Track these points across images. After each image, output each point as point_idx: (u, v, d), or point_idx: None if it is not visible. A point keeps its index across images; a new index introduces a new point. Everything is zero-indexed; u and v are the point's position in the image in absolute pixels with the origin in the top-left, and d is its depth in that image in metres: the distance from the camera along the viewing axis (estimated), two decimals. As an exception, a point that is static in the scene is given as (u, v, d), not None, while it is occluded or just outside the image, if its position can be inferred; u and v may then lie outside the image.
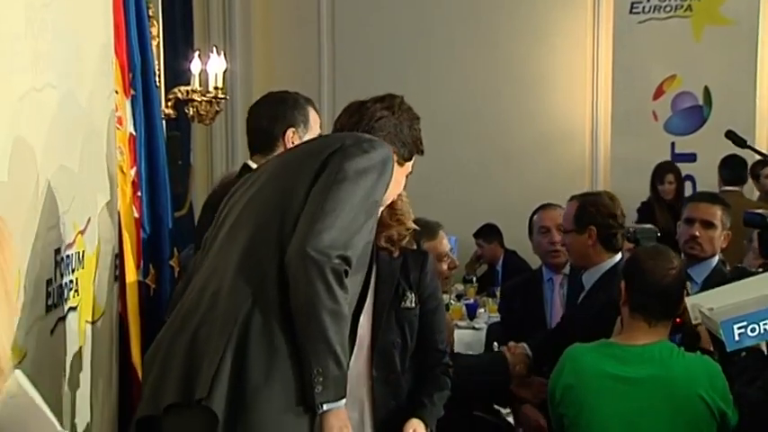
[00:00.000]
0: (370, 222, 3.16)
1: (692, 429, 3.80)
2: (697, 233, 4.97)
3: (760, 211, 4.74)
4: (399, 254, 3.79)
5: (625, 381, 3.83)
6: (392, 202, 3.65)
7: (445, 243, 5.15)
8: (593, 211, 4.93)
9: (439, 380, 3.80)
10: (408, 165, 3.60)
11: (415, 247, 4.09)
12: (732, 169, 8.65)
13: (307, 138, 4.21)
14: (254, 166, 4.15)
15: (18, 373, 2.07)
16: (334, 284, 2.91)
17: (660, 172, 9.09)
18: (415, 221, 3.98)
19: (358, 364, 3.57)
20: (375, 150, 3.21)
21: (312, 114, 4.35)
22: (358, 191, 3.09)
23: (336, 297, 2.91)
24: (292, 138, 4.19)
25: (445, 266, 5.04)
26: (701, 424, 3.80)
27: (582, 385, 3.93)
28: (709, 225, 5.00)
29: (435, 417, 3.71)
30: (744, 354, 4.00)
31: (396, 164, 3.33)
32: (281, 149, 4.19)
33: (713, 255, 5.04)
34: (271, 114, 4.32)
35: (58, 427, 2.14)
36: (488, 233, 9.11)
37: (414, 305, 3.74)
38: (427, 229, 4.86)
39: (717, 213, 5.03)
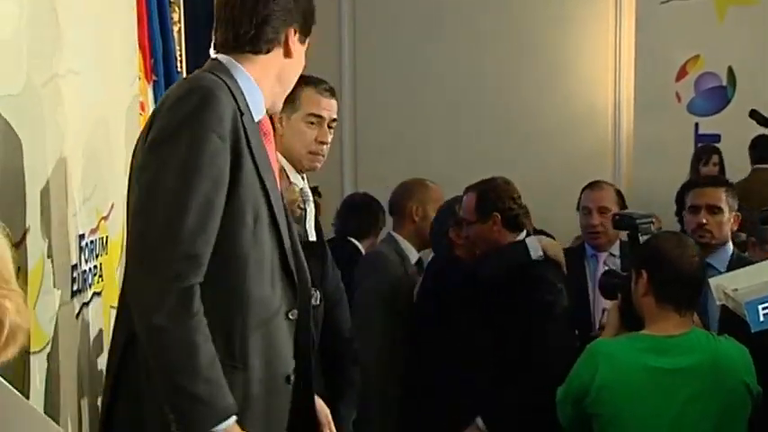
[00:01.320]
0: (212, 182, 2.68)
1: (736, 412, 3.82)
2: (704, 220, 4.87)
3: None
4: None
5: (669, 372, 3.82)
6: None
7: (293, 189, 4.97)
8: (493, 198, 4.99)
9: (348, 373, 3.82)
10: (306, 42, 3.19)
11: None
12: (763, 148, 8.65)
13: (295, 118, 4.09)
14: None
15: None
16: (178, 328, 2.59)
17: (705, 153, 9.02)
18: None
19: None
20: (181, 106, 2.74)
21: (303, 93, 4.07)
22: (167, 167, 2.68)
23: (186, 341, 2.59)
24: (280, 118, 4.10)
25: None
26: (743, 405, 3.82)
27: (622, 382, 3.89)
28: (715, 210, 4.90)
29: (350, 416, 3.78)
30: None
31: (298, 43, 3.08)
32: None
33: (725, 241, 4.92)
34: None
35: (45, 418, 2.15)
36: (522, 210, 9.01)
37: (319, 302, 3.65)
38: None
39: (721, 197, 4.93)
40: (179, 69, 5.83)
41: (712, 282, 4.00)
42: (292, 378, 2.93)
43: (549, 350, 4.64)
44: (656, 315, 3.92)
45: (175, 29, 6.27)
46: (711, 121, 9.75)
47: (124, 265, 2.97)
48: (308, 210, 4.16)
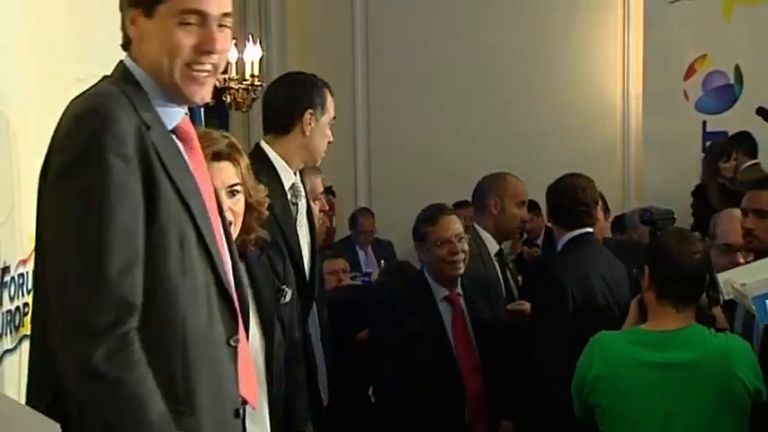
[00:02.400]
0: (127, 211, 2.33)
1: (731, 409, 3.79)
2: (752, 225, 4.48)
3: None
4: (260, 250, 3.44)
5: (661, 367, 3.81)
6: (249, 204, 3.20)
7: (318, 184, 4.93)
8: None
9: (297, 376, 3.63)
10: (167, 6, 2.44)
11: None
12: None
13: (324, 120, 4.21)
14: (265, 146, 4.17)
15: None
16: (121, 383, 2.24)
17: (726, 149, 8.91)
18: None
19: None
20: (77, 133, 2.34)
21: (329, 97, 4.25)
22: (75, 202, 2.30)
23: (124, 398, 2.25)
24: (309, 120, 4.15)
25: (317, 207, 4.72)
26: (739, 403, 3.80)
27: (615, 374, 3.90)
28: (765, 214, 4.47)
29: (309, 418, 3.61)
30: None
31: (142, 18, 2.46)
32: (297, 130, 4.16)
33: None
34: (289, 95, 4.25)
35: (38, 415, 2.16)
36: (532, 207, 8.94)
37: (290, 299, 3.52)
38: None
39: None
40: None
41: (721, 277, 4.01)
42: (241, 411, 2.62)
43: None
44: (656, 310, 3.93)
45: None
46: (719, 119, 9.73)
47: (36, 311, 2.51)
48: (299, 204, 4.20)
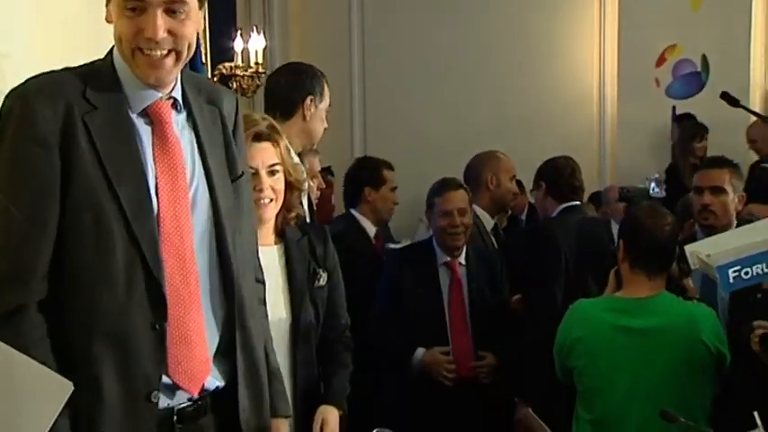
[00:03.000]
0: (34, 191, 2.28)
1: (694, 371, 3.81)
2: (708, 201, 4.59)
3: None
4: (302, 232, 3.40)
5: (632, 331, 3.83)
6: (288, 182, 3.19)
7: (316, 163, 5.03)
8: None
9: (342, 356, 3.48)
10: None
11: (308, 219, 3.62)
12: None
13: (322, 107, 4.25)
14: None
15: None
16: None
17: (700, 130, 8.94)
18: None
19: (280, 348, 3.16)
20: (3, 109, 2.35)
21: (326, 86, 4.33)
22: None
23: None
24: (310, 105, 4.20)
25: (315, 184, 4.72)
26: (702, 365, 3.81)
27: (591, 338, 3.93)
28: (719, 191, 4.60)
29: (345, 395, 3.38)
30: (759, 296, 4.01)
31: (108, 4, 2.40)
32: (299, 116, 4.19)
33: (729, 222, 4.60)
34: (291, 83, 4.30)
35: (51, 374, 2.10)
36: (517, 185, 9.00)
37: (325, 282, 3.41)
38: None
39: (725, 177, 4.63)
40: (203, 61, 5.85)
41: (688, 248, 4.01)
42: (156, 396, 2.40)
43: None
44: (630, 279, 3.95)
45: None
46: (687, 103, 9.71)
47: None
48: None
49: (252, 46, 7.84)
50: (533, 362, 4.60)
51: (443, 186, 5.12)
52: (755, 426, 3.19)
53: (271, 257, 3.17)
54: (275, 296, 3.15)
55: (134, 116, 2.43)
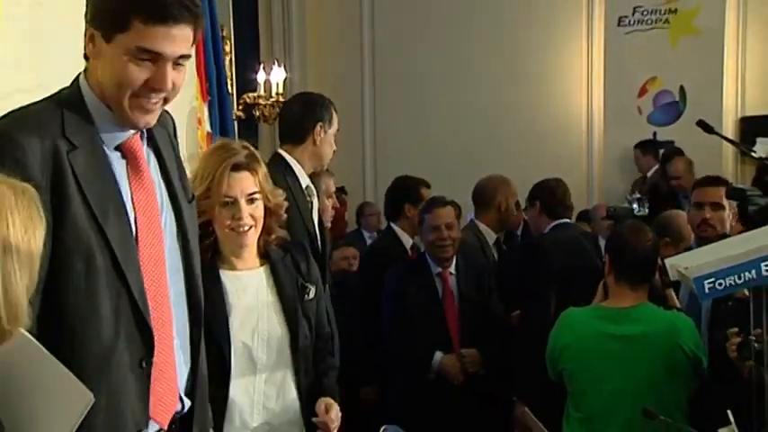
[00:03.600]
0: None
1: (673, 374, 3.80)
2: (708, 215, 4.58)
3: (742, 186, 4.67)
4: (283, 251, 3.18)
5: (617, 338, 3.83)
6: (267, 209, 2.99)
7: (331, 184, 4.85)
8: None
9: (329, 360, 3.30)
10: (126, 38, 2.08)
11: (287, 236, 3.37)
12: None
13: (330, 132, 4.23)
14: (284, 154, 4.18)
15: (23, 331, 1.98)
16: None
17: (671, 154, 8.92)
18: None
19: (282, 363, 3.03)
20: None
21: (335, 114, 4.28)
22: None
23: None
24: (320, 131, 4.19)
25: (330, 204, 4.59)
26: (680, 369, 3.80)
27: (579, 343, 3.92)
28: (717, 206, 4.61)
29: (337, 392, 3.18)
30: (730, 303, 4.01)
31: (101, 39, 2.11)
32: (309, 140, 4.17)
33: (724, 234, 4.55)
34: (303, 111, 4.28)
35: (76, 381, 1.93)
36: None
37: (314, 296, 3.19)
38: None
39: (722, 194, 4.65)
40: (229, 91, 5.86)
41: (668, 261, 3.98)
42: None
43: None
44: (615, 290, 3.94)
45: (227, 59, 6.30)
46: (667, 130, 9.74)
47: None
48: (313, 202, 4.14)
49: (273, 78, 7.86)
50: (529, 365, 4.57)
51: (432, 204, 5.14)
52: (729, 423, 3.18)
53: (258, 279, 3.05)
54: (269, 315, 3.02)
55: (108, 151, 2.19)
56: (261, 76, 7.85)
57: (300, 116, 4.24)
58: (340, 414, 3.02)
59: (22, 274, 1.72)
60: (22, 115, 2.09)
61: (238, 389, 2.90)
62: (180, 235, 2.36)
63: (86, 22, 2.13)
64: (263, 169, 2.96)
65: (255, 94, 7.79)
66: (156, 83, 2.11)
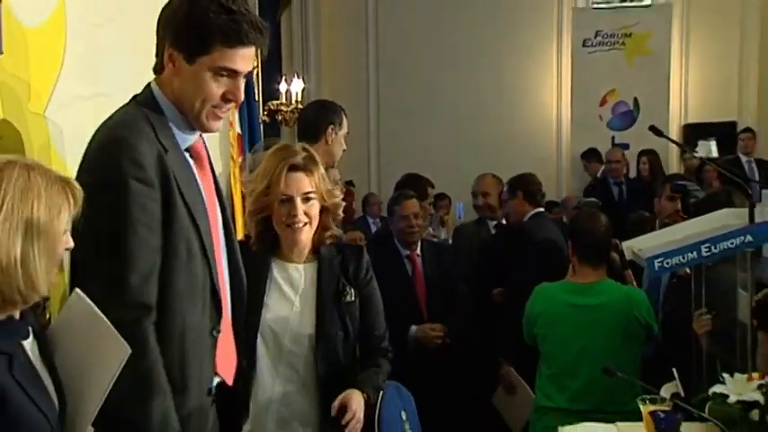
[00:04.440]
0: (146, 226, 2.01)
1: (628, 338, 3.80)
2: (679, 207, 4.60)
3: (684, 182, 4.68)
4: (337, 250, 2.91)
5: (581, 308, 3.83)
6: (323, 207, 2.77)
7: (336, 174, 4.51)
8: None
9: (376, 360, 2.93)
10: (209, 59, 2.08)
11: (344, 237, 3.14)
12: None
13: (341, 134, 4.17)
14: None
15: (77, 290, 1.96)
16: (136, 368, 1.90)
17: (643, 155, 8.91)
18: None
19: (302, 360, 2.78)
20: (101, 160, 2.03)
21: (344, 118, 4.18)
22: (101, 218, 1.95)
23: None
24: (331, 132, 4.13)
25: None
26: (634, 334, 3.80)
27: (551, 311, 3.92)
28: None
29: (372, 385, 2.81)
30: (674, 280, 4.03)
31: (183, 61, 2.09)
32: (323, 140, 4.12)
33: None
34: (317, 115, 4.23)
35: (117, 335, 1.89)
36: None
37: (354, 299, 2.89)
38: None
39: None
40: (256, 99, 5.83)
41: (624, 244, 3.98)
42: (213, 390, 2.24)
43: None
44: (579, 269, 3.93)
45: (254, 72, 6.27)
46: (623, 134, 9.81)
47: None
48: None
49: (293, 88, 7.86)
50: (511, 332, 4.56)
51: (400, 197, 5.03)
52: (674, 379, 3.18)
53: (304, 273, 2.82)
54: (302, 308, 2.80)
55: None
56: (283, 87, 7.85)
57: (315, 119, 4.20)
58: (360, 413, 2.70)
59: (41, 250, 1.71)
60: (127, 122, 2.06)
61: (264, 369, 2.74)
62: (223, 223, 2.34)
63: (161, 40, 2.12)
64: (319, 170, 2.77)
65: (278, 102, 7.79)
66: (232, 95, 2.12)
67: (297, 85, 7.91)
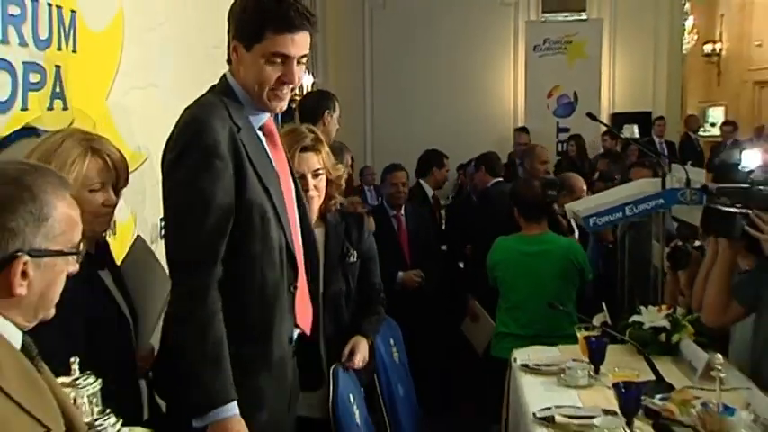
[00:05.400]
0: (221, 198, 1.84)
1: (567, 279, 3.80)
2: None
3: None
4: (341, 217, 2.74)
5: (530, 254, 3.82)
6: (329, 180, 2.58)
7: (349, 157, 4.40)
8: None
9: (375, 308, 2.83)
10: (262, 46, 1.90)
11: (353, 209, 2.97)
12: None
13: (335, 116, 4.07)
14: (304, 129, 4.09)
15: (140, 235, 1.95)
16: (192, 320, 1.79)
17: (570, 140, 8.91)
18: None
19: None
20: (180, 137, 1.89)
21: (337, 104, 4.06)
22: (178, 192, 1.86)
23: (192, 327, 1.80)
24: (327, 116, 4.05)
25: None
26: (572, 276, 3.81)
27: (507, 259, 3.92)
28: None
29: (373, 331, 2.75)
30: (610, 246, 4.07)
31: (243, 50, 1.92)
32: (321, 122, 4.03)
33: None
34: (316, 100, 4.18)
35: (163, 267, 1.88)
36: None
37: (355, 260, 2.76)
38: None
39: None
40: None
41: (567, 206, 3.98)
42: (293, 340, 2.09)
43: None
44: (525, 225, 3.91)
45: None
46: (566, 120, 9.74)
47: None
48: None
49: (305, 82, 7.79)
50: (478, 275, 4.56)
51: (392, 168, 5.04)
52: (603, 311, 3.20)
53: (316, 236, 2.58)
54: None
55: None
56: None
57: (314, 106, 4.11)
58: (366, 355, 2.63)
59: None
60: (205, 105, 1.92)
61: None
62: (296, 191, 2.18)
63: (229, 34, 1.97)
64: (325, 149, 2.61)
65: (293, 93, 7.73)
66: (286, 78, 1.91)
67: (308, 80, 7.85)
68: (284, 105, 2.00)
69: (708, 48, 12.89)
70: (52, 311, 1.30)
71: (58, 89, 1.99)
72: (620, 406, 2.30)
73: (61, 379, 1.37)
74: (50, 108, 1.95)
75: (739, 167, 4.30)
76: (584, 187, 4.70)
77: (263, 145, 2.01)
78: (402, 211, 4.98)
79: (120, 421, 1.46)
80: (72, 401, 1.36)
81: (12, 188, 1.20)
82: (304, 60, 1.97)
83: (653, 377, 2.70)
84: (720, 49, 12.97)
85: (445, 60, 10.14)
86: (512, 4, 10.41)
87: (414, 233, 4.95)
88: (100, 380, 1.46)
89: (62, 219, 1.24)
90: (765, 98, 12.42)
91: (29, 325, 1.27)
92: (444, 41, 10.16)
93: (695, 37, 12.42)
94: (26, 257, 1.20)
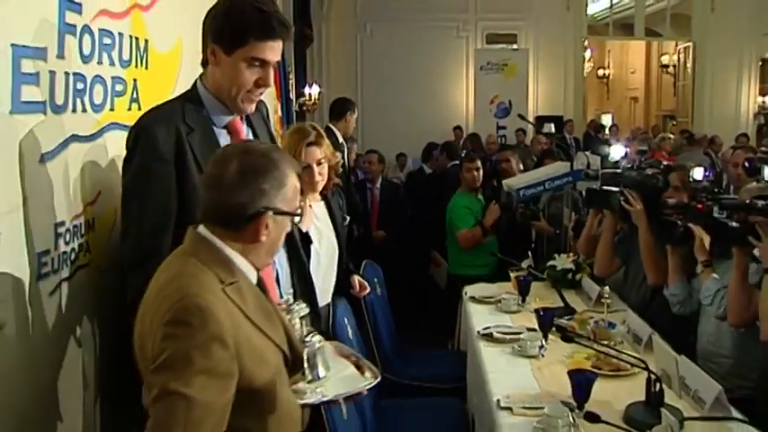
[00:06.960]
0: (161, 195, 1.54)
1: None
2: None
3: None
4: (333, 192, 2.53)
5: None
6: (329, 165, 2.37)
7: (354, 148, 4.56)
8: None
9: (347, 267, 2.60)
10: (243, 51, 1.56)
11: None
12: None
13: (354, 117, 4.11)
14: (332, 126, 4.09)
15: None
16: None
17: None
18: None
19: (333, 265, 2.43)
20: (127, 142, 1.60)
21: (356, 108, 4.20)
22: (126, 187, 1.58)
23: None
24: (349, 115, 4.13)
25: None
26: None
27: (458, 212, 3.94)
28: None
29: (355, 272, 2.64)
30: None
31: (222, 53, 1.57)
32: (344, 119, 4.05)
33: None
34: (342, 103, 4.21)
35: None
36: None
37: (348, 223, 2.67)
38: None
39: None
40: (291, 98, 5.73)
41: (504, 183, 3.98)
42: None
43: None
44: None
45: (291, 80, 6.12)
46: (502, 120, 9.64)
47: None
48: (344, 152, 3.91)
49: (313, 91, 7.70)
50: (440, 229, 4.55)
51: (368, 154, 5.13)
52: (528, 258, 3.24)
53: (321, 209, 2.46)
54: (328, 233, 2.42)
55: (217, 130, 1.64)
56: (307, 90, 7.66)
57: (342, 107, 4.20)
58: (366, 284, 2.58)
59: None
60: (154, 112, 1.62)
61: (314, 271, 2.16)
62: None
63: (205, 35, 1.61)
64: (326, 141, 2.40)
65: (304, 99, 7.60)
66: (263, 81, 1.60)
67: (315, 89, 7.75)
68: (253, 108, 1.67)
69: (600, 72, 14.58)
70: (274, 259, 1.29)
71: (134, 95, 1.97)
72: (539, 325, 2.37)
73: (280, 303, 1.39)
74: (129, 109, 1.93)
75: (608, 158, 4.36)
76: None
77: (218, 143, 1.61)
78: (378, 185, 5.04)
79: (322, 338, 1.45)
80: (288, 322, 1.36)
81: (264, 160, 1.22)
82: (276, 66, 1.65)
83: (562, 304, 2.78)
84: (608, 74, 14.70)
85: (417, 77, 10.02)
86: (464, 38, 10.35)
87: (384, 202, 5.00)
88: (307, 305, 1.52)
89: (292, 188, 1.25)
90: (638, 109, 14.37)
91: (261, 266, 1.28)
92: (416, 63, 10.02)
93: (592, 64, 13.51)
94: (270, 213, 1.21)
